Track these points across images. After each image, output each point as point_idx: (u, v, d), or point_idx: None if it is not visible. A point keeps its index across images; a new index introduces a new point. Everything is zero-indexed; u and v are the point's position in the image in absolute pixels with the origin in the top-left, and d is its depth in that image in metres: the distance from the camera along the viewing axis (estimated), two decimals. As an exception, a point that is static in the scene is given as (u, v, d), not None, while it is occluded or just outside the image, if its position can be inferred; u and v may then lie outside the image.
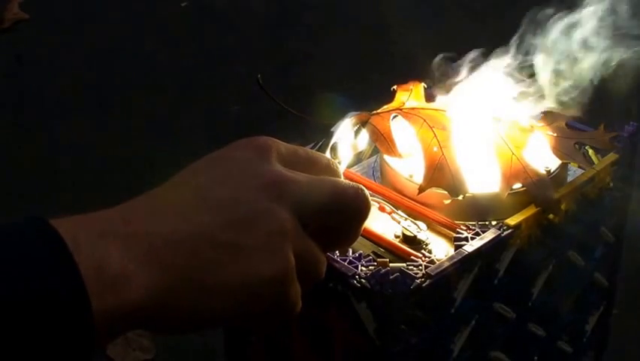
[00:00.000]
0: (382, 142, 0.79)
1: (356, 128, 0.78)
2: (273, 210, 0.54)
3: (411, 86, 0.83)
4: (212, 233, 0.51)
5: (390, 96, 0.83)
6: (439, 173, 0.77)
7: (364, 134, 0.79)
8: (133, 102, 2.50)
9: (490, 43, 0.83)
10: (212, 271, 0.51)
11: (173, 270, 0.50)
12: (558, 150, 0.82)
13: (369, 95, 0.84)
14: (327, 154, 0.74)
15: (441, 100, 0.83)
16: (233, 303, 0.52)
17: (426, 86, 0.84)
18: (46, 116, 2.44)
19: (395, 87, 0.84)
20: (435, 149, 0.78)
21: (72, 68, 2.66)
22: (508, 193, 0.78)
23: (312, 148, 0.74)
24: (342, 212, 0.59)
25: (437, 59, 0.84)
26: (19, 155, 2.27)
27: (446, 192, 0.77)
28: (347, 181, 0.61)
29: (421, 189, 0.77)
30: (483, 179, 0.79)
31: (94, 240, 0.47)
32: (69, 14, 2.99)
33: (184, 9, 2.99)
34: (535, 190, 0.78)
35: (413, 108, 0.81)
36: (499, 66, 0.81)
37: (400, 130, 0.82)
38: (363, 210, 0.61)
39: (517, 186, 0.79)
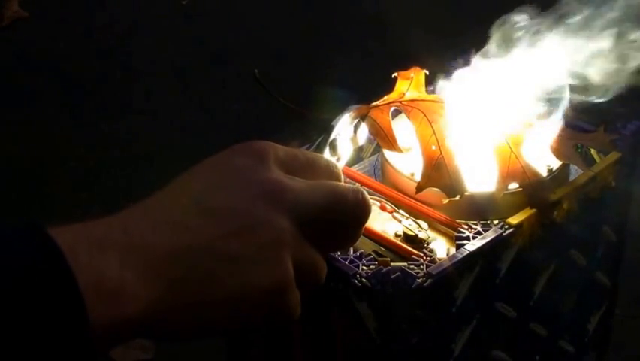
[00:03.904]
0: (382, 137, 0.79)
1: (355, 122, 0.78)
2: (272, 220, 0.53)
3: (412, 73, 0.82)
4: (211, 244, 0.51)
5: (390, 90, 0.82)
6: (436, 172, 0.76)
7: (364, 128, 0.79)
8: (133, 101, 2.50)
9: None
10: (210, 283, 0.51)
11: (172, 282, 0.49)
12: (558, 151, 0.81)
13: (368, 92, 0.83)
14: (327, 150, 0.73)
15: (441, 96, 0.83)
16: (232, 313, 0.52)
17: (427, 73, 0.83)
18: (46, 115, 2.44)
19: (396, 74, 0.83)
20: (433, 147, 0.77)
21: (72, 66, 2.66)
22: (510, 192, 0.78)
23: (311, 146, 0.74)
24: (342, 216, 0.59)
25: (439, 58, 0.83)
26: (19, 154, 2.27)
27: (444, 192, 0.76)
28: (346, 185, 0.60)
29: (419, 188, 0.77)
30: (484, 177, 0.79)
31: (92, 251, 0.47)
32: (69, 13, 2.99)
33: (184, 7, 2.99)
34: (531, 191, 0.78)
35: (413, 100, 0.80)
36: (500, 64, 0.81)
37: (400, 124, 0.81)
38: (362, 214, 0.60)
39: (516, 185, 0.78)
